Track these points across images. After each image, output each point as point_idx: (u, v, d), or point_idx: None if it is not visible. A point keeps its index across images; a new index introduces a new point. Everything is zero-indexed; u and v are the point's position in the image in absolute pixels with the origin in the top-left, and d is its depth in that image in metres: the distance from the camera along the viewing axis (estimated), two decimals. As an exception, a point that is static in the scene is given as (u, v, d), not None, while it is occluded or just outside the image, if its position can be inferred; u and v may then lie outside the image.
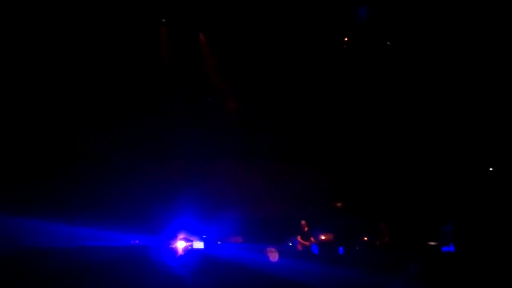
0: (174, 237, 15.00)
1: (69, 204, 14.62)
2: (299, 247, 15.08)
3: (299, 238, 15.27)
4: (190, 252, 14.79)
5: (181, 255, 14.52)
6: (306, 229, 15.13)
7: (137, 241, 15.09)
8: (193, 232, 15.56)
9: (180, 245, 14.85)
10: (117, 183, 15.54)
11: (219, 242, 15.86)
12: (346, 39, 16.08)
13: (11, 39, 13.96)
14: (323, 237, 15.58)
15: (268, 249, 14.43)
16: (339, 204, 17.18)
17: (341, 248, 15.31)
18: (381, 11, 15.13)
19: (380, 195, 16.34)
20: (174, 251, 14.67)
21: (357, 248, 15.45)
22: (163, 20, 15.50)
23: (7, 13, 13.69)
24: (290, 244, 15.42)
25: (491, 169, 16.18)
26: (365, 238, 15.63)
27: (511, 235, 13.44)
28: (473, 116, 15.47)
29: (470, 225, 14.72)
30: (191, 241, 15.30)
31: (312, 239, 15.25)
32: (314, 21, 15.13)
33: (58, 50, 14.93)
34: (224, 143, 16.72)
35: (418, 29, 15.05)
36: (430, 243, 14.64)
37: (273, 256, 14.34)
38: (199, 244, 15.48)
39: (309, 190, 16.80)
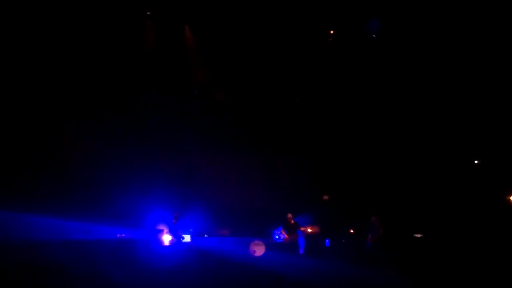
0: (160, 230, 15.00)
1: (56, 198, 14.55)
2: (286, 240, 15.09)
3: (282, 231, 15.27)
4: (176, 245, 14.82)
5: (167, 248, 14.54)
6: (292, 221, 15.11)
7: (123, 235, 15.09)
8: (180, 225, 15.57)
9: (167, 238, 14.85)
10: (103, 177, 15.49)
11: (206, 235, 15.87)
12: (331, 32, 16.07)
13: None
14: (309, 230, 15.61)
15: (255, 242, 14.48)
16: (325, 197, 17.22)
17: (327, 240, 15.38)
18: (367, 5, 15.13)
19: (366, 188, 16.38)
20: (161, 244, 14.67)
21: (343, 240, 15.49)
22: (148, 12, 15.39)
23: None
24: (277, 237, 15.43)
25: (476, 162, 16.28)
26: (351, 231, 15.68)
27: (497, 227, 13.56)
28: (458, 110, 15.55)
29: (456, 217, 14.82)
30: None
31: (301, 229, 15.25)
32: (300, 15, 15.10)
33: (43, 44, 14.79)
34: (210, 135, 16.70)
35: (403, 23, 15.09)
36: (416, 235, 14.74)
37: (260, 249, 14.39)
38: (186, 237, 15.49)
39: (296, 183, 16.81)
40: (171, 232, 14.74)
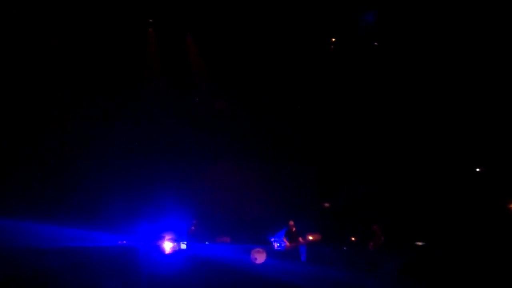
0: (161, 238, 14.98)
1: (58, 205, 14.55)
2: (287, 247, 15.07)
3: (284, 239, 15.25)
4: (177, 252, 14.80)
5: (168, 256, 14.51)
6: (294, 229, 15.11)
7: (124, 242, 15.07)
8: (180, 232, 15.55)
9: (167, 245, 14.84)
10: (105, 184, 15.50)
11: (206, 243, 15.84)
12: (333, 39, 16.12)
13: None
14: (311, 238, 15.57)
15: (256, 249, 14.44)
16: (327, 205, 17.21)
17: (328, 248, 15.35)
18: (368, 12, 15.20)
19: (368, 196, 16.36)
20: (162, 251, 14.65)
21: (345, 248, 15.45)
22: (151, 20, 15.43)
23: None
24: (278, 244, 15.40)
25: (477, 170, 16.26)
26: (353, 239, 15.64)
27: (497, 235, 13.53)
28: (459, 118, 15.55)
29: (456, 225, 14.79)
30: (178, 241, 15.28)
31: (300, 239, 15.23)
32: (302, 23, 15.15)
33: (49, 49, 14.84)
34: (211, 144, 16.72)
35: (404, 30, 15.13)
36: (417, 243, 14.70)
37: (261, 256, 14.35)
38: (182, 245, 15.47)
39: (297, 191, 16.80)
40: (188, 239, 14.77)
